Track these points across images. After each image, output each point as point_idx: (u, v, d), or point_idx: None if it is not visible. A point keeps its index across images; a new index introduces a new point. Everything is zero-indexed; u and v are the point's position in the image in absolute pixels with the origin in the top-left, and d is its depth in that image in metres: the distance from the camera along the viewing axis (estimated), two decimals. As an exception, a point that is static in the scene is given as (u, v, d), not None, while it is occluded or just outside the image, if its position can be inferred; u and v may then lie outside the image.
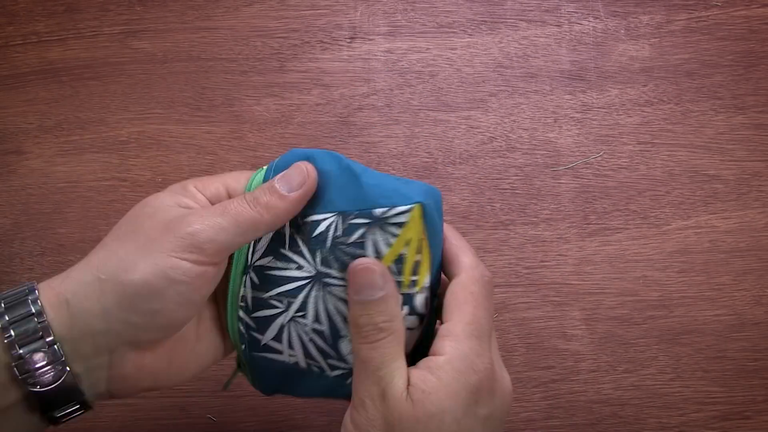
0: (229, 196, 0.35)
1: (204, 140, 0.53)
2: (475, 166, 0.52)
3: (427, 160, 0.53)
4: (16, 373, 0.29)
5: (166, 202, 0.33)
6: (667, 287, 0.50)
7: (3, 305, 0.30)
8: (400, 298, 0.33)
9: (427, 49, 0.55)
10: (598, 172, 0.52)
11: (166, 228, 0.31)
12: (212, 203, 0.34)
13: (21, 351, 0.29)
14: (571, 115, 0.53)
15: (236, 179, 0.35)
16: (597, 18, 0.55)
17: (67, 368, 0.30)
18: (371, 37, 0.55)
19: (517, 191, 0.52)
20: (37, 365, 0.29)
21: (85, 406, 0.32)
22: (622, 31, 0.55)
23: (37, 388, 0.30)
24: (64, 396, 0.30)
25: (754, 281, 0.50)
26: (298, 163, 0.33)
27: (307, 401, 0.49)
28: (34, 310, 0.30)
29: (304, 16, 0.56)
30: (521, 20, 0.55)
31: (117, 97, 0.55)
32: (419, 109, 0.53)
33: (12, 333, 0.29)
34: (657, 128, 0.53)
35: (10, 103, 0.55)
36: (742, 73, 0.54)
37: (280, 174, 0.33)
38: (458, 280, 0.34)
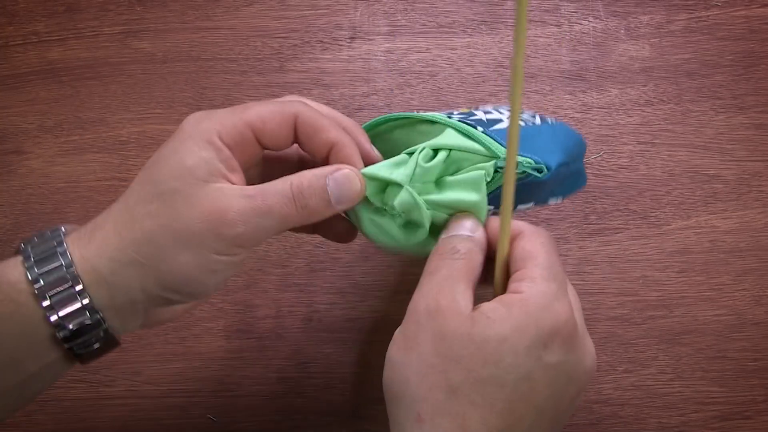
0: (256, 138, 0.33)
1: (204, 140, 0.53)
2: (475, 166, 0.52)
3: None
4: (62, 342, 0.31)
5: (193, 167, 0.31)
6: (667, 287, 0.50)
7: (42, 282, 0.30)
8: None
9: (427, 49, 0.55)
10: (598, 172, 0.52)
11: (210, 226, 0.30)
12: (237, 152, 0.32)
13: (68, 325, 0.30)
14: (571, 115, 0.53)
15: (259, 116, 0.33)
16: (597, 18, 0.55)
17: (109, 333, 0.32)
18: (371, 37, 0.55)
19: (517, 191, 0.52)
20: (84, 337, 0.31)
21: (116, 346, 0.33)
22: (622, 31, 0.55)
23: (81, 351, 0.31)
24: (103, 350, 0.32)
25: (754, 281, 0.50)
26: (358, 176, 0.33)
27: (307, 402, 0.49)
28: (79, 298, 0.30)
29: (304, 16, 0.56)
30: (521, 20, 0.55)
31: (117, 97, 0.55)
32: (419, 110, 0.53)
33: (52, 302, 0.30)
34: (657, 128, 0.53)
35: (10, 103, 0.55)
36: (742, 73, 0.54)
37: (334, 182, 0.32)
38: (523, 235, 0.32)
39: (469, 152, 0.33)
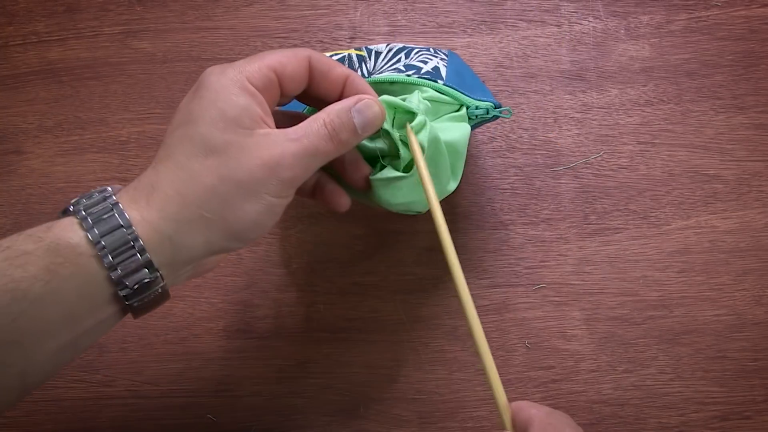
0: (279, 81, 0.35)
1: (204, 140, 0.53)
2: (475, 166, 0.52)
3: (427, 160, 0.53)
4: (122, 299, 0.32)
5: (235, 115, 0.32)
6: (667, 287, 0.50)
7: (104, 243, 0.31)
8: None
9: (427, 49, 0.55)
10: (598, 172, 0.52)
11: (269, 170, 0.32)
12: (266, 96, 0.34)
13: (129, 284, 0.31)
14: (571, 115, 0.53)
15: (281, 62, 0.35)
16: (597, 18, 0.55)
17: (166, 289, 0.33)
18: (371, 37, 0.55)
19: (517, 191, 0.52)
20: (143, 294, 0.32)
21: (167, 298, 0.35)
22: (622, 31, 0.55)
23: (135, 304, 0.32)
24: (157, 303, 0.34)
25: (754, 281, 0.50)
26: (377, 103, 0.37)
27: (307, 402, 0.49)
28: (141, 259, 0.31)
29: (304, 16, 0.56)
30: (521, 20, 0.55)
31: (117, 97, 0.55)
32: (419, 109, 0.53)
33: (115, 264, 0.31)
34: (657, 128, 0.53)
35: (10, 103, 0.55)
36: (742, 73, 0.54)
37: (358, 113, 0.36)
38: (533, 419, 0.33)
39: (443, 102, 0.42)
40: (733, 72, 0.54)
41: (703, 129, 0.53)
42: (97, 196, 0.33)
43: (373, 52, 0.44)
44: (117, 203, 0.32)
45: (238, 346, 0.50)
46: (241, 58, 0.54)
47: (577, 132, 0.53)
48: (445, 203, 0.51)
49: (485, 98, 0.43)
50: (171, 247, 0.32)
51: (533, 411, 0.34)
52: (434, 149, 0.39)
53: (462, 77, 0.44)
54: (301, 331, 0.50)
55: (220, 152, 0.32)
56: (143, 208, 0.32)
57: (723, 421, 0.48)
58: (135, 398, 0.49)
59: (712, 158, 0.52)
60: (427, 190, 0.37)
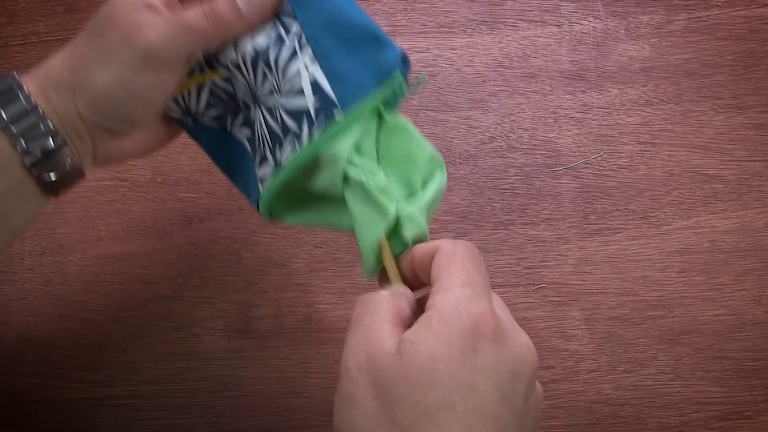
0: None
1: (204, 140, 0.53)
2: (475, 166, 0.52)
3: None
4: (30, 168, 0.33)
5: (131, 2, 0.33)
6: (667, 287, 0.50)
7: (5, 115, 0.32)
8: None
9: (427, 48, 0.55)
10: (598, 172, 0.52)
11: (124, 37, 0.32)
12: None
13: (31, 150, 0.33)
14: (571, 115, 0.53)
15: None
16: (597, 18, 0.55)
17: (68, 150, 0.34)
18: (371, 37, 0.55)
19: (517, 191, 0.52)
20: (50, 161, 0.33)
21: (82, 176, 0.36)
22: (622, 31, 0.55)
23: (50, 177, 0.33)
24: (70, 179, 0.35)
25: (754, 281, 0.50)
26: None
27: (307, 402, 0.49)
28: (29, 107, 0.33)
29: (304, 16, 0.56)
30: (521, 20, 0.55)
31: (117, 97, 0.55)
32: (419, 109, 0.53)
33: (14, 130, 0.32)
34: (657, 128, 0.53)
35: (10, 103, 0.54)
36: (742, 73, 0.54)
37: None
38: (439, 252, 0.32)
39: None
40: (733, 72, 0.54)
41: (703, 129, 0.53)
42: (2, 78, 0.34)
43: (231, 66, 0.36)
44: (16, 77, 0.33)
45: (237, 346, 0.50)
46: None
47: (577, 132, 0.53)
48: (445, 203, 0.51)
49: (378, 54, 0.33)
50: (55, 112, 0.33)
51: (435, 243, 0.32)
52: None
53: (337, 38, 0.33)
54: (301, 331, 0.50)
55: (99, 26, 0.33)
56: (34, 78, 0.34)
57: (723, 421, 0.48)
58: (135, 398, 0.49)
59: (712, 158, 0.52)
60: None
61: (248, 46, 0.34)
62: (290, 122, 0.34)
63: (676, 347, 0.49)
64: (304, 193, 0.36)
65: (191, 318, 0.50)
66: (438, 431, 0.27)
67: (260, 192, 0.35)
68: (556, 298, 0.50)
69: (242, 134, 0.38)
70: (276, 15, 0.34)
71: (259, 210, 0.36)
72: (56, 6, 0.57)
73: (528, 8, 0.55)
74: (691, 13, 0.55)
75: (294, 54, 0.33)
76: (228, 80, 0.36)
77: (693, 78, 0.54)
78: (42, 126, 0.33)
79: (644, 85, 0.54)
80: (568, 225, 0.51)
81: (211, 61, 0.36)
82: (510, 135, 0.53)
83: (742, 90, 0.53)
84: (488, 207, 0.52)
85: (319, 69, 0.33)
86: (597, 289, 0.50)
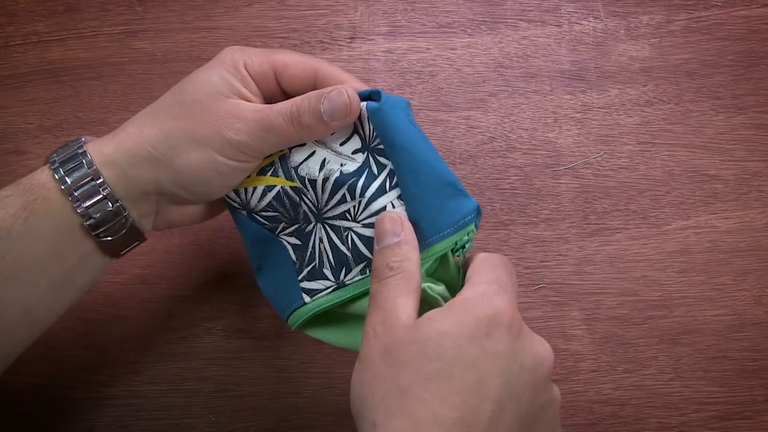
0: (276, 78, 0.37)
1: (204, 140, 0.53)
2: (475, 166, 0.52)
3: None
4: (90, 230, 0.35)
5: (217, 84, 0.36)
6: (667, 287, 0.50)
7: (67, 179, 0.35)
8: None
9: (427, 49, 0.55)
10: (598, 172, 0.52)
11: (217, 123, 0.35)
12: (258, 83, 0.37)
13: (93, 214, 0.35)
14: (571, 115, 0.53)
15: (283, 61, 0.37)
16: (597, 18, 0.55)
17: (131, 219, 0.36)
18: (371, 37, 0.55)
19: (517, 191, 0.52)
20: (108, 225, 0.36)
21: (141, 239, 0.38)
22: (622, 31, 0.55)
23: (108, 239, 0.36)
24: (129, 241, 0.38)
25: (754, 281, 0.50)
26: (347, 92, 0.35)
27: (308, 402, 0.49)
28: (98, 182, 0.35)
29: (304, 16, 0.56)
30: (521, 20, 0.55)
31: (117, 97, 0.55)
32: (419, 109, 0.53)
33: (77, 195, 0.35)
34: (657, 128, 0.53)
35: (10, 103, 0.54)
36: (742, 73, 0.54)
37: (327, 99, 0.35)
38: (475, 258, 0.35)
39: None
40: (733, 72, 0.54)
41: (703, 129, 0.53)
42: (70, 143, 0.36)
43: (307, 180, 0.38)
44: (81, 144, 0.36)
45: (238, 346, 0.50)
46: (241, 58, 0.55)
47: (577, 132, 0.53)
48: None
49: (456, 203, 0.36)
50: (125, 179, 0.35)
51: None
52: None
53: (421, 182, 0.36)
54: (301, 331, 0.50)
55: (187, 106, 0.35)
56: (105, 145, 0.36)
57: (723, 421, 0.48)
58: (135, 398, 0.49)
59: (712, 158, 0.52)
60: None
61: (335, 168, 0.37)
62: (364, 249, 0.37)
63: (676, 347, 0.49)
64: (339, 314, 0.39)
65: (192, 318, 0.50)
66: (432, 397, 0.29)
67: (304, 301, 0.38)
68: (556, 298, 0.50)
69: (289, 240, 0.40)
70: (371, 151, 0.37)
71: (287, 314, 0.39)
72: (56, 6, 0.57)
73: (528, 8, 0.55)
74: (691, 13, 0.55)
75: (383, 190, 0.36)
76: (297, 190, 0.38)
77: (693, 78, 0.54)
78: (102, 192, 0.35)
79: (644, 85, 0.54)
80: (568, 225, 0.51)
81: (288, 169, 0.38)
82: (510, 135, 0.53)
83: (742, 90, 0.53)
84: (488, 207, 0.52)
85: (404, 210, 0.36)
86: (597, 289, 0.50)
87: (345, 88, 0.35)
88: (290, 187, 0.38)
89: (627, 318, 0.50)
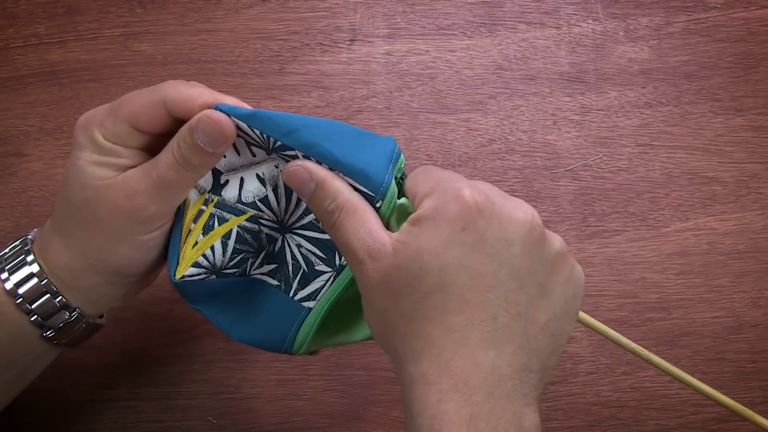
0: (138, 129, 0.34)
1: (204, 142, 0.53)
2: (475, 168, 0.53)
3: (427, 162, 0.53)
4: (47, 337, 0.36)
5: (92, 173, 0.34)
6: (666, 289, 0.50)
7: (20, 293, 0.35)
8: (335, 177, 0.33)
9: (427, 51, 0.55)
10: (597, 175, 0.52)
11: (119, 211, 0.34)
12: (125, 144, 0.34)
13: (50, 325, 0.36)
14: (570, 117, 0.53)
15: (131, 111, 0.34)
16: (596, 20, 0.55)
17: (90, 322, 0.37)
18: (371, 40, 0.55)
19: (516, 193, 0.52)
20: (70, 332, 0.37)
21: (98, 329, 0.39)
22: (621, 33, 0.55)
23: (63, 342, 0.37)
24: (88, 335, 0.39)
25: (753, 283, 0.50)
26: (211, 117, 0.33)
27: (307, 404, 0.49)
28: (57, 303, 0.35)
29: (303, 19, 0.56)
30: (520, 22, 0.55)
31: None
32: (418, 112, 0.53)
33: (34, 310, 0.35)
34: (656, 130, 0.53)
35: (11, 106, 0.55)
36: (741, 75, 0.54)
37: (200, 133, 0.33)
38: (407, 179, 0.34)
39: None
40: (732, 74, 0.54)
41: (701, 131, 0.53)
42: (17, 246, 0.36)
43: (257, 201, 0.37)
44: (30, 251, 0.36)
45: (238, 348, 0.50)
46: (241, 61, 0.55)
47: (576, 134, 0.53)
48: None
49: (376, 143, 0.34)
50: (78, 290, 0.36)
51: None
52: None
53: (339, 144, 0.34)
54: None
55: (82, 209, 0.34)
56: (45, 258, 0.36)
57: (721, 423, 0.48)
58: (135, 400, 0.49)
59: (711, 160, 0.52)
60: None
61: (275, 174, 0.36)
62: None
63: (675, 349, 0.49)
64: (344, 305, 0.38)
65: (191, 320, 0.50)
66: (436, 312, 0.29)
67: (309, 308, 0.37)
68: (555, 300, 0.50)
69: (262, 271, 0.39)
70: (275, 152, 0.34)
71: (291, 338, 0.38)
72: (57, 8, 0.57)
73: (527, 10, 0.56)
74: (690, 15, 0.55)
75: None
76: (253, 218, 0.37)
77: (692, 80, 0.54)
78: (58, 304, 0.35)
79: (643, 87, 0.54)
80: (567, 227, 0.51)
81: (231, 207, 0.37)
82: (509, 137, 0.53)
83: (741, 92, 0.53)
84: (487, 209, 0.52)
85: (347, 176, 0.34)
86: (595, 291, 0.50)
87: (207, 114, 0.33)
88: (245, 219, 0.37)
89: (626, 320, 0.50)
